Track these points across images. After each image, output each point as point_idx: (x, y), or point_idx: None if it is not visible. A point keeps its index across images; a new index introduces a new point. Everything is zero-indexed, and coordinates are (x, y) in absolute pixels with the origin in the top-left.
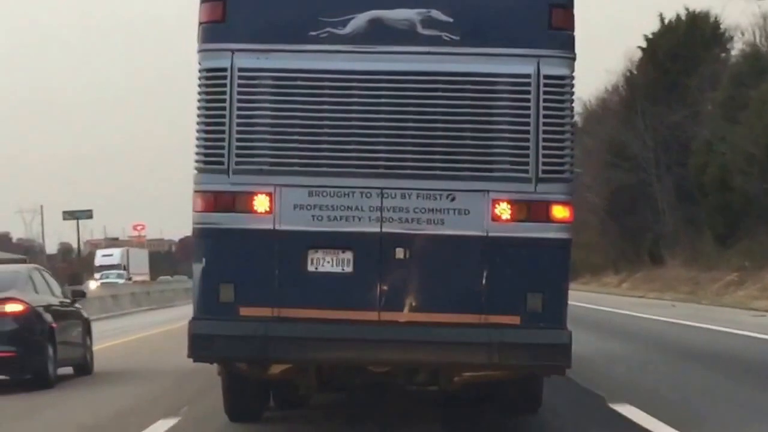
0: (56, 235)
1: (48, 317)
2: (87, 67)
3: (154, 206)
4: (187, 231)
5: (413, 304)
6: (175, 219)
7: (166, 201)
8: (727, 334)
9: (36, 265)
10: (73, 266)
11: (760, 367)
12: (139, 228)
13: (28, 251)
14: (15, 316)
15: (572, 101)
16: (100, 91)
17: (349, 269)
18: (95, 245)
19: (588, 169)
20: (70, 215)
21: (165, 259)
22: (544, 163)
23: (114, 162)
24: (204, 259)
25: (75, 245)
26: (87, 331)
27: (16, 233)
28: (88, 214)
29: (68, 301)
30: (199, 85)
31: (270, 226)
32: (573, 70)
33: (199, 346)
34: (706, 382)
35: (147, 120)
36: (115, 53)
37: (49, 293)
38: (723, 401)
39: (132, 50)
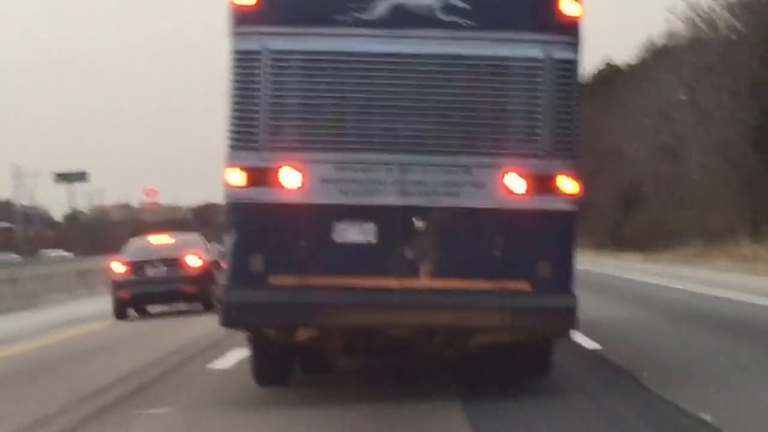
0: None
1: (212, 267)
2: (103, 28)
3: (167, 172)
4: (203, 198)
5: (432, 271)
6: (191, 185)
7: (180, 167)
8: None
9: (200, 234)
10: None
11: None
12: (151, 193)
13: (31, 219)
14: (196, 265)
15: (578, 83)
16: (112, 52)
17: (372, 239)
18: (105, 212)
19: (710, 93)
20: (63, 178)
21: (180, 227)
22: (552, 141)
23: (126, 126)
24: (235, 231)
25: (83, 212)
26: None
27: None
28: (82, 177)
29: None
30: (232, 67)
31: (299, 200)
32: (579, 55)
33: (231, 313)
34: None
35: (160, 84)
36: (132, 16)
37: (210, 252)
38: None
39: (151, 10)
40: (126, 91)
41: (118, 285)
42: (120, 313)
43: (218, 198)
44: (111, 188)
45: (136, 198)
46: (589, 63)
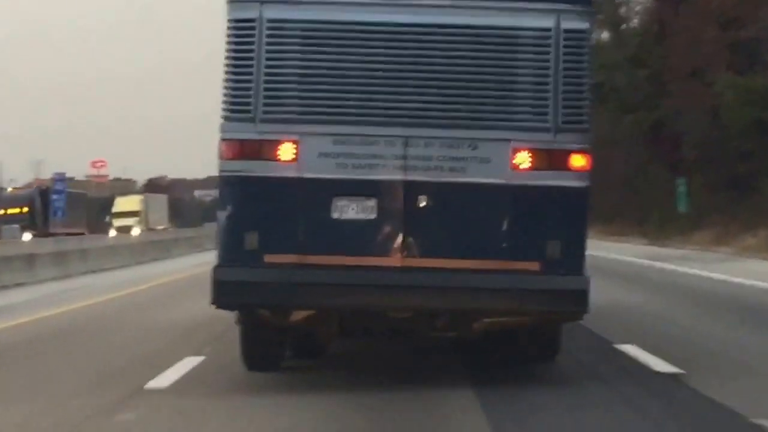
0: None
1: None
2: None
3: (115, 142)
4: (156, 171)
5: (435, 250)
6: (142, 158)
7: (130, 136)
8: None
9: None
10: None
11: None
12: (98, 165)
13: None
14: None
15: (590, 54)
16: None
17: (372, 216)
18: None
19: None
20: None
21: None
22: (563, 114)
23: (67, 93)
24: (229, 207)
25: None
26: None
27: None
28: None
29: None
30: (228, 35)
31: (296, 174)
32: (592, 24)
33: (223, 292)
34: None
35: (107, 50)
36: None
37: None
38: None
39: None
40: (75, 59)
41: None
42: None
43: (171, 170)
44: (58, 161)
45: (81, 171)
46: None
